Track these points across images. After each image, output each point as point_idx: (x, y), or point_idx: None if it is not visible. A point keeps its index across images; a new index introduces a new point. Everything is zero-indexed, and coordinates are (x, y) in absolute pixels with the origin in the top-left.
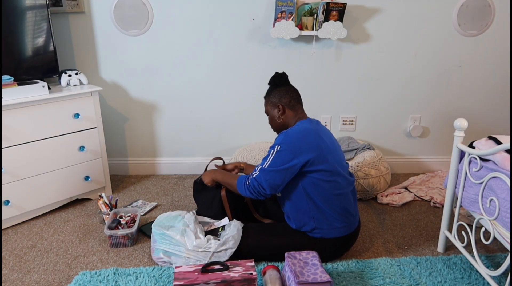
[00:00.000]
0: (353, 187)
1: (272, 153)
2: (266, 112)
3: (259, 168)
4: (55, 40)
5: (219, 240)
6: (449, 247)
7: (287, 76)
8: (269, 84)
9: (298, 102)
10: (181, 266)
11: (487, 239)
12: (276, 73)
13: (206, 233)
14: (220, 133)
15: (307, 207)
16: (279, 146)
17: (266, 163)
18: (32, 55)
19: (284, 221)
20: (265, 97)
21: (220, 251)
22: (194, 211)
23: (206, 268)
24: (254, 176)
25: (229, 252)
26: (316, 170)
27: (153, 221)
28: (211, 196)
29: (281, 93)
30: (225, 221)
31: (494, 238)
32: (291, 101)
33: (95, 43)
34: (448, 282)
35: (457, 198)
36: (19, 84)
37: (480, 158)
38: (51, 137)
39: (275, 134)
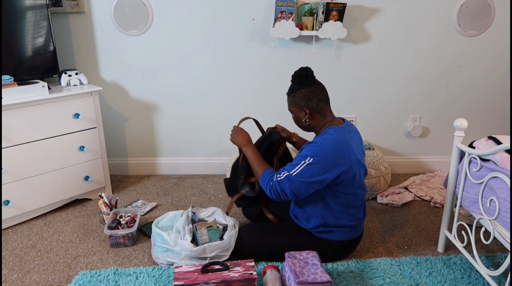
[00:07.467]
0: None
1: (303, 164)
2: (290, 111)
3: (285, 174)
4: (55, 40)
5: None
6: (449, 247)
7: (312, 72)
8: (292, 81)
9: (326, 104)
10: (181, 266)
11: (487, 239)
12: (301, 69)
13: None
14: (220, 133)
15: (322, 212)
16: (311, 158)
17: (295, 171)
18: (32, 55)
19: (284, 220)
20: (288, 94)
21: (215, 256)
22: (189, 212)
23: (206, 268)
24: (278, 180)
25: (226, 256)
26: (341, 181)
27: (153, 221)
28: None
29: (308, 95)
30: (225, 220)
31: (494, 238)
32: (318, 104)
33: (95, 43)
34: (448, 282)
35: (457, 198)
36: (19, 84)
37: (480, 158)
38: (51, 137)
39: None
